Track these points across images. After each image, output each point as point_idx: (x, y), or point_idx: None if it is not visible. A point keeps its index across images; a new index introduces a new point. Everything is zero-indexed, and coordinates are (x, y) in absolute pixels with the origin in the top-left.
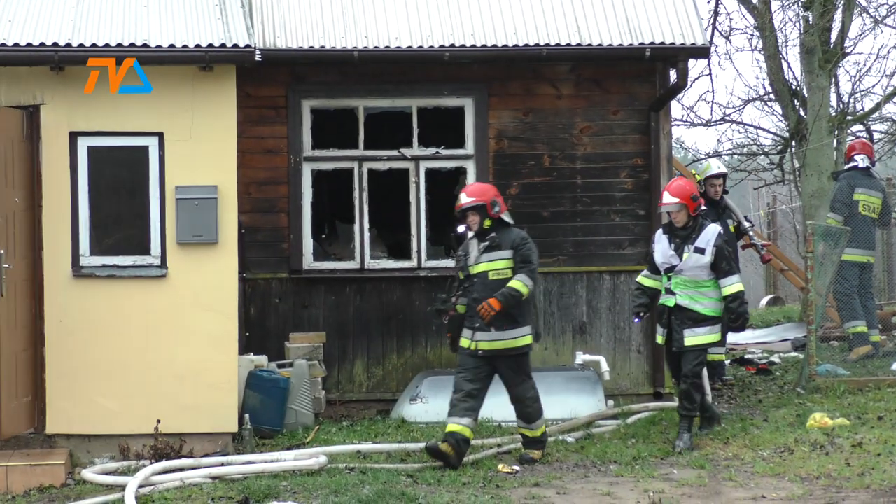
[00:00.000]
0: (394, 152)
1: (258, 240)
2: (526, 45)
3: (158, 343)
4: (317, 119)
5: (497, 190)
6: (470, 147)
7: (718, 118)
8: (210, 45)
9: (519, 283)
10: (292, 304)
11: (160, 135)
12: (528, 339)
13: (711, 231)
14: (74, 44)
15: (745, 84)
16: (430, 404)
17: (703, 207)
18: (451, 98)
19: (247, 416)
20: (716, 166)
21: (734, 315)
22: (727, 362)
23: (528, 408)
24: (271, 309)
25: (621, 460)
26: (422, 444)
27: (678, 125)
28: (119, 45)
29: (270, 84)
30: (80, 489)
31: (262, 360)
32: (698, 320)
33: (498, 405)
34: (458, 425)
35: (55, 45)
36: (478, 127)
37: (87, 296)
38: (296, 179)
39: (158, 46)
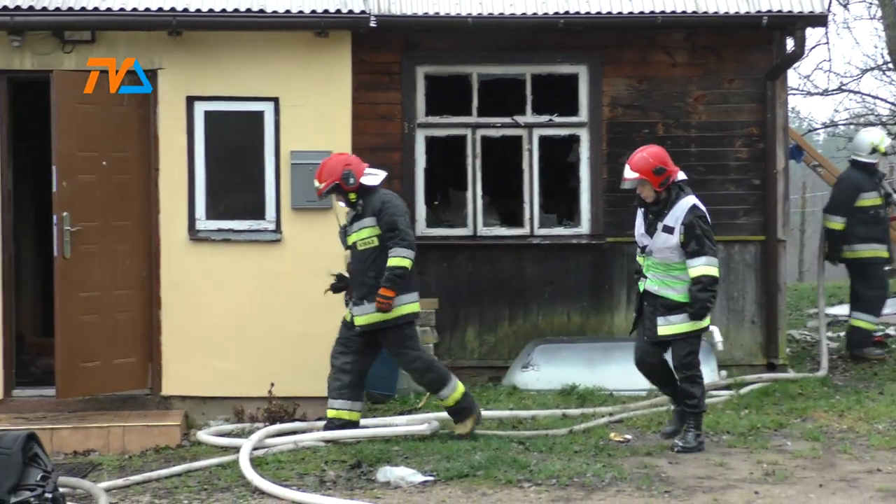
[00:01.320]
0: (507, 119)
1: None
2: (641, 13)
3: (272, 307)
4: (430, 85)
5: (348, 159)
6: (584, 115)
7: (835, 87)
8: (325, 11)
9: (396, 259)
10: None
11: (275, 100)
12: (405, 309)
13: (683, 206)
14: (192, 9)
15: (862, 53)
16: (541, 371)
17: (682, 178)
18: (565, 65)
19: None
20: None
21: (692, 299)
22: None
23: (422, 379)
24: None
25: (734, 431)
26: (534, 412)
27: (794, 94)
28: (236, 10)
29: (384, 50)
30: (195, 450)
31: None
32: (671, 307)
33: (610, 373)
34: (332, 410)
35: (173, 10)
36: (592, 94)
37: (202, 259)
38: (409, 146)
39: (275, 12)
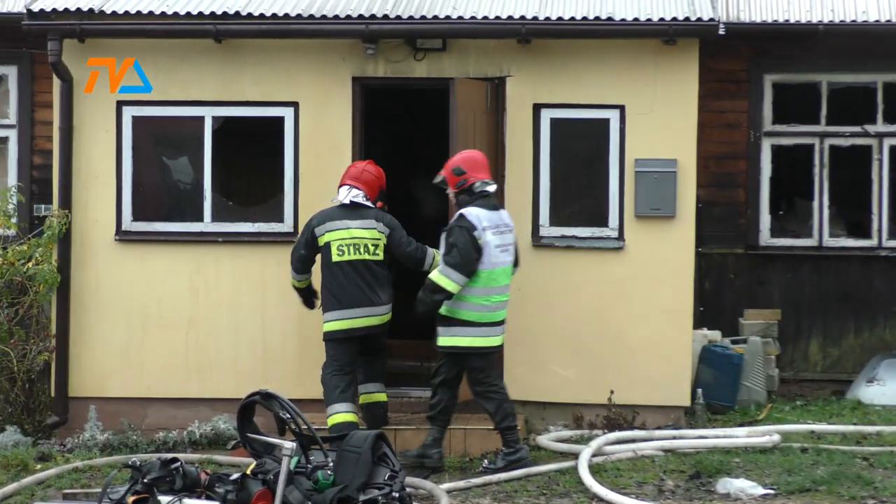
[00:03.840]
0: (857, 128)
1: (714, 214)
2: None
3: (613, 314)
4: (776, 93)
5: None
6: None
7: None
8: (674, 19)
9: None
10: (747, 279)
11: (621, 108)
12: (324, 327)
13: (456, 213)
14: (541, 17)
15: None
16: (887, 387)
17: (487, 189)
18: None
19: (699, 390)
20: None
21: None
22: None
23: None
24: (726, 284)
25: None
26: (878, 427)
27: None
28: (584, 18)
29: (731, 58)
30: (534, 455)
31: (715, 335)
32: (440, 319)
33: None
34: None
35: (522, 18)
36: None
37: (545, 265)
38: (755, 154)
39: (623, 20)
